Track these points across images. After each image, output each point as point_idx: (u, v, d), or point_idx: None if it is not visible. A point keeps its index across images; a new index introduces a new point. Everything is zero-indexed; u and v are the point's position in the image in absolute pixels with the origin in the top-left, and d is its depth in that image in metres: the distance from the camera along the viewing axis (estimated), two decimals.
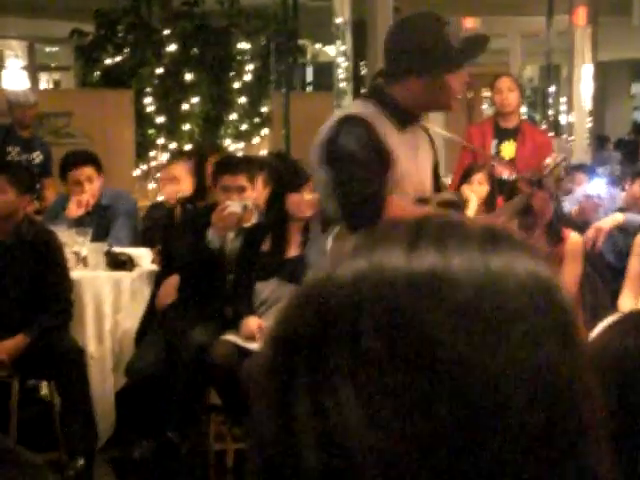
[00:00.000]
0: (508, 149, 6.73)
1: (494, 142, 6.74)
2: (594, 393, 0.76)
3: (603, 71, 14.84)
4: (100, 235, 5.85)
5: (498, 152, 6.71)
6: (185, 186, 6.24)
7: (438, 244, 0.74)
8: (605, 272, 5.68)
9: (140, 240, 6.13)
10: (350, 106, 3.46)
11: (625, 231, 5.67)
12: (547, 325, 0.73)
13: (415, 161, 3.41)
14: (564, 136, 12.66)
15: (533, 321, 0.73)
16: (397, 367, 0.71)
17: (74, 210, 6.03)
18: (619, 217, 5.75)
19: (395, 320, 0.72)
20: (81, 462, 5.01)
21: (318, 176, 3.36)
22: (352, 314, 0.73)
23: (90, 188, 6.05)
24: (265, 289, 5.01)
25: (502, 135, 6.76)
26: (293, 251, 5.03)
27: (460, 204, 3.49)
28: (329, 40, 11.44)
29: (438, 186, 3.66)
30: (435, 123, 15.55)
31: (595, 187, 5.90)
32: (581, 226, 5.88)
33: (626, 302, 5.36)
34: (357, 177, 3.25)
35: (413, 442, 0.71)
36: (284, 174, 5.40)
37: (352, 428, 0.71)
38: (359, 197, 3.24)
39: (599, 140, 14.43)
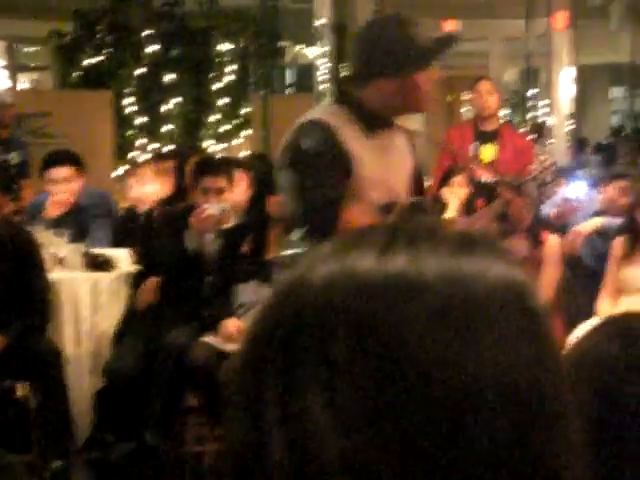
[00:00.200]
0: (488, 152, 6.75)
1: (474, 145, 6.76)
2: (567, 400, 0.75)
3: (582, 75, 14.90)
4: (79, 236, 5.82)
5: (478, 155, 6.73)
6: (154, 189, 6.20)
7: (411, 249, 0.74)
8: (584, 276, 5.70)
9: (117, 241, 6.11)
10: (315, 110, 3.43)
11: (604, 235, 5.69)
12: (519, 331, 0.73)
13: (385, 166, 3.37)
14: (546, 142, 12.70)
15: (505, 326, 0.72)
16: (367, 372, 0.71)
17: (52, 210, 6.00)
18: (598, 221, 5.77)
19: (365, 324, 0.71)
20: (58, 464, 4.98)
21: (280, 180, 3.36)
22: (323, 318, 0.73)
23: (68, 188, 6.02)
24: (244, 291, 5.00)
25: (482, 138, 6.77)
26: (273, 253, 5.02)
27: (429, 208, 3.47)
28: (310, 42, 11.45)
29: (420, 190, 3.65)
30: (415, 126, 15.57)
31: (574, 190, 5.91)
32: (560, 229, 5.89)
33: (604, 306, 5.38)
34: (314, 183, 3.23)
35: (383, 447, 0.70)
36: (265, 176, 5.40)
37: (322, 433, 0.71)
38: (315, 202, 3.23)
39: (578, 143, 14.49)
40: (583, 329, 5.11)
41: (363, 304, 0.72)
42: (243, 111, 11.36)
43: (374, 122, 3.37)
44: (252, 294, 4.98)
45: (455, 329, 0.71)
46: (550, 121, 13.26)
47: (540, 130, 13.42)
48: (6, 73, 13.46)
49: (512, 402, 0.71)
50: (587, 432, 1.31)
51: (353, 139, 3.30)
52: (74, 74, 10.37)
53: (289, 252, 3.34)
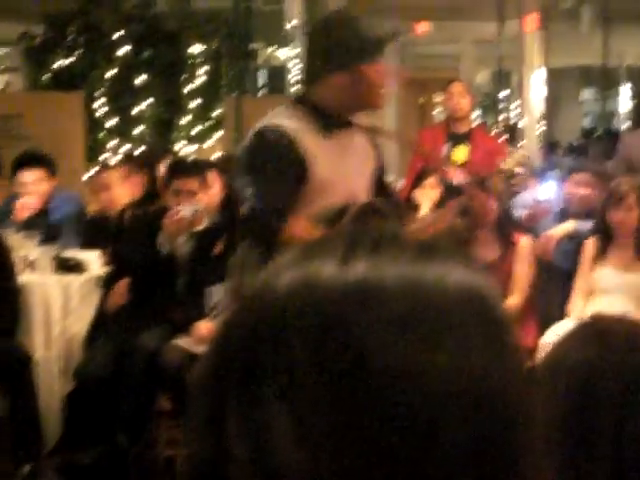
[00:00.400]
0: (460, 153, 6.77)
1: (446, 146, 6.77)
2: (531, 406, 0.75)
3: (553, 77, 14.97)
4: (49, 239, 5.79)
5: (450, 156, 6.74)
6: (118, 193, 6.16)
7: (372, 256, 0.73)
8: (556, 278, 5.72)
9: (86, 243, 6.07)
10: (273, 114, 3.41)
11: (576, 238, 5.71)
12: (481, 338, 0.72)
13: (343, 168, 3.36)
14: (518, 143, 12.76)
15: (466, 334, 0.72)
16: (327, 382, 0.70)
17: (22, 213, 5.97)
18: (569, 225, 5.79)
19: (325, 333, 0.71)
20: (27, 468, 4.95)
21: (237, 185, 3.37)
22: (283, 329, 0.72)
23: (39, 190, 5.99)
24: (217, 293, 4.99)
25: (454, 140, 6.79)
26: None
27: (387, 210, 3.47)
28: (282, 44, 11.45)
29: (383, 191, 3.63)
30: (387, 129, 15.60)
31: (545, 192, 5.92)
32: (531, 230, 5.91)
33: (576, 307, 5.40)
34: (263, 191, 3.24)
35: (343, 460, 0.70)
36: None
37: (282, 447, 0.70)
38: (260, 212, 3.26)
39: (549, 145, 14.56)
40: (556, 330, 5.13)
41: (323, 313, 0.71)
42: (215, 113, 11.34)
43: (331, 122, 3.36)
44: (224, 296, 4.96)
45: (416, 337, 0.71)
46: (521, 123, 13.32)
47: (512, 132, 13.48)
48: None
49: (475, 410, 0.71)
50: (563, 434, 1.32)
51: (311, 142, 3.30)
52: (45, 76, 10.33)
53: (237, 256, 3.37)
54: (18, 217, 5.94)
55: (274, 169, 3.24)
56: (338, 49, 3.34)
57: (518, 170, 3.74)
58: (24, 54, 11.27)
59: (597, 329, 1.43)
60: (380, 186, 3.58)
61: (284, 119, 3.32)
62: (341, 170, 3.35)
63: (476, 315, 0.73)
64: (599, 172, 6.07)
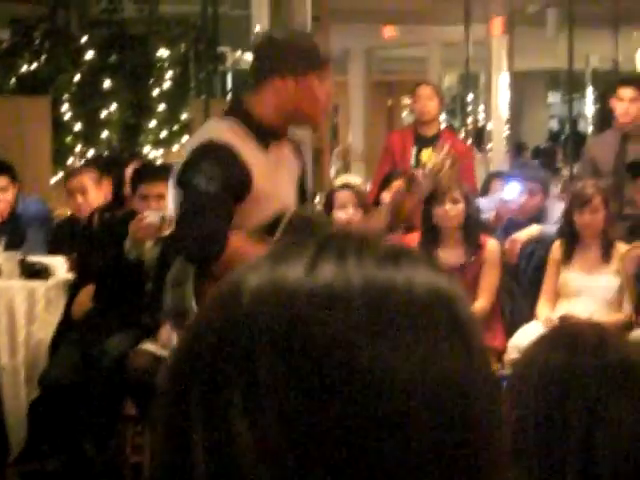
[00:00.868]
0: (427, 156, 6.78)
1: (414, 149, 6.79)
2: (497, 409, 0.74)
3: (520, 80, 15.04)
4: (15, 244, 5.75)
5: (418, 159, 6.76)
6: (93, 196, 6.13)
7: (338, 261, 0.73)
8: (522, 281, 5.74)
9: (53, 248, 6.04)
10: (212, 127, 3.39)
11: (542, 241, 5.74)
12: (447, 339, 0.72)
13: (277, 179, 3.39)
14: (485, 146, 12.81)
15: (432, 337, 0.71)
16: (292, 391, 0.69)
17: None
18: (535, 229, 5.82)
19: (292, 339, 0.70)
20: None
21: (172, 195, 3.31)
22: (246, 336, 0.71)
23: (3, 197, 5.96)
24: None
25: (422, 142, 6.81)
26: None
27: (312, 216, 3.50)
28: (249, 47, 11.43)
29: (303, 199, 3.64)
30: (355, 134, 15.64)
31: (510, 192, 5.95)
32: (496, 232, 5.94)
33: (543, 309, 5.42)
34: (201, 212, 3.22)
35: (309, 472, 0.69)
36: None
37: (244, 462, 0.69)
38: (197, 232, 3.21)
39: (516, 148, 14.62)
40: (524, 332, 5.15)
41: (289, 318, 0.70)
42: (183, 117, 11.32)
43: (266, 135, 3.38)
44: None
45: (384, 340, 0.70)
46: (488, 126, 13.37)
47: (479, 135, 13.52)
48: None
49: (440, 412, 0.70)
50: (533, 438, 1.32)
51: (250, 155, 3.31)
52: (11, 81, 10.27)
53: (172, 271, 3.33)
54: None
55: (218, 188, 3.21)
56: (285, 54, 3.37)
57: (448, 164, 3.73)
58: None
59: (567, 333, 1.44)
60: (302, 194, 3.60)
61: (227, 133, 3.31)
62: (276, 181, 3.38)
63: (443, 317, 0.72)
64: (539, 179, 6.11)
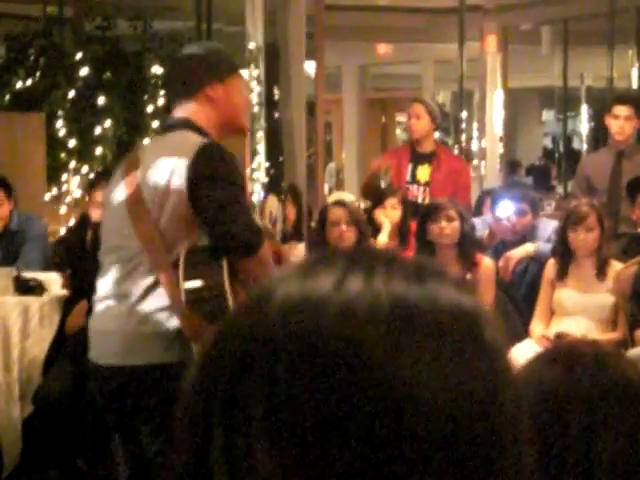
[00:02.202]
0: (424, 173, 6.79)
1: (410, 166, 6.80)
2: (521, 430, 0.74)
3: (514, 98, 15.07)
4: (9, 260, 5.75)
5: (414, 176, 6.77)
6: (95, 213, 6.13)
7: (367, 276, 0.73)
8: (516, 298, 5.74)
9: (49, 265, 6.03)
10: (188, 137, 3.41)
11: (536, 259, 5.74)
12: (472, 359, 0.72)
13: None
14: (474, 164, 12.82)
15: (457, 354, 0.72)
16: (313, 407, 0.69)
17: None
18: (530, 247, 5.81)
19: (315, 354, 0.70)
20: None
21: (174, 198, 3.27)
22: (270, 348, 0.70)
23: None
24: None
25: (418, 159, 6.82)
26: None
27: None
28: (243, 65, 11.44)
29: None
30: (349, 149, 15.66)
31: (504, 210, 5.95)
32: (491, 250, 5.94)
33: (537, 327, 5.42)
34: (244, 203, 3.29)
35: None
36: None
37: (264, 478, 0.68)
38: (249, 223, 3.26)
39: (510, 165, 14.63)
40: (518, 351, 5.15)
41: (314, 332, 0.70)
42: None
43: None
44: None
45: (406, 358, 0.70)
46: (482, 144, 13.38)
47: (468, 152, 13.52)
48: None
49: (464, 433, 0.70)
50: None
51: None
52: (6, 97, 10.27)
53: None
54: None
55: (242, 181, 3.32)
56: (209, 62, 3.48)
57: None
58: None
59: (564, 351, 1.44)
60: None
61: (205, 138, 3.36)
62: None
63: (468, 337, 0.73)
64: (528, 199, 6.11)
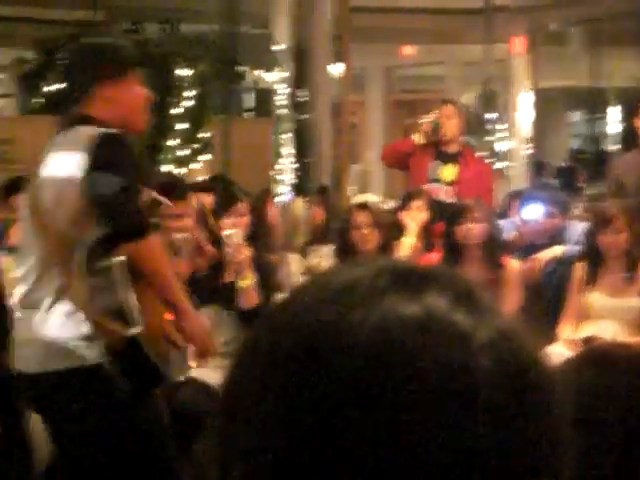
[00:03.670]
0: (449, 172, 6.77)
1: (432, 165, 6.78)
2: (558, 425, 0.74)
3: (541, 99, 15.01)
4: None
5: (437, 175, 6.75)
6: None
7: (442, 293, 0.70)
8: (544, 301, 5.71)
9: None
10: (85, 130, 3.40)
11: (565, 262, 5.69)
12: (515, 402, 0.69)
13: None
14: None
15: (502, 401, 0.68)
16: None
17: (16, 236, 5.96)
18: (558, 250, 5.77)
19: (424, 374, 0.66)
20: None
21: (71, 191, 3.28)
22: (368, 379, 0.66)
23: None
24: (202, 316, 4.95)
25: (443, 158, 6.80)
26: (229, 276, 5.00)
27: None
28: (269, 67, 11.48)
29: None
30: (373, 153, 15.67)
31: (531, 212, 5.93)
32: (518, 252, 5.91)
33: (566, 331, 5.36)
34: (136, 190, 3.31)
35: None
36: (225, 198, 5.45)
37: None
38: (138, 209, 3.30)
39: (536, 167, 14.57)
40: (558, 360, 5.10)
41: (414, 354, 0.66)
42: (202, 135, 11.36)
43: None
44: (209, 318, 4.86)
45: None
46: (508, 145, 13.33)
47: (494, 154, 13.49)
48: None
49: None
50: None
51: None
52: (37, 101, 10.33)
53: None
54: (11, 241, 5.94)
55: (134, 168, 3.35)
56: (108, 56, 3.53)
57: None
58: (17, 80, 11.28)
59: (596, 354, 1.43)
60: None
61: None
62: None
63: (510, 363, 0.71)
64: (557, 201, 6.08)
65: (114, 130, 3.35)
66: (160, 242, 3.35)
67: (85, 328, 3.26)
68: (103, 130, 3.33)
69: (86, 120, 3.43)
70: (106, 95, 3.47)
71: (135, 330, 3.23)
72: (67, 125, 3.48)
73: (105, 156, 3.25)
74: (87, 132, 3.34)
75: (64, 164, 3.31)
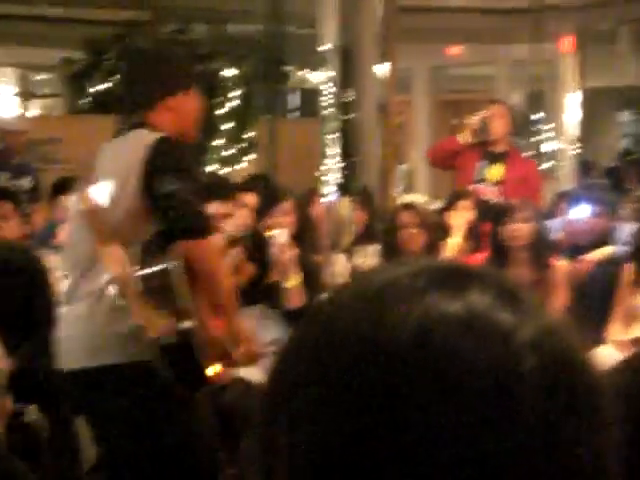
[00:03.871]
0: (495, 172, 6.75)
1: (479, 165, 6.76)
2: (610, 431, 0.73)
3: (590, 99, 14.91)
4: None
5: (484, 175, 6.73)
6: None
7: (485, 291, 0.70)
8: (592, 302, 5.66)
9: None
10: (143, 134, 3.45)
11: (614, 263, 5.64)
12: (558, 403, 0.69)
13: None
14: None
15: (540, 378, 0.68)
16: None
17: (63, 236, 6.02)
18: (606, 250, 5.73)
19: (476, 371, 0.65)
20: None
21: (129, 193, 3.33)
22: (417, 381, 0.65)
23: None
24: (247, 316, 4.97)
25: (490, 158, 6.78)
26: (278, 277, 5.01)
27: None
28: (314, 67, 11.49)
29: None
30: (419, 153, 15.66)
31: (579, 212, 5.88)
32: (566, 253, 5.87)
33: (615, 333, 5.32)
34: (195, 192, 3.34)
35: None
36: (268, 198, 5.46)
37: None
38: (199, 209, 3.35)
39: (583, 167, 14.46)
40: (594, 356, 5.07)
41: (463, 353, 0.66)
42: (247, 135, 11.40)
43: None
44: (256, 319, 4.88)
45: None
46: (555, 145, 13.25)
47: (540, 154, 13.41)
48: (18, 100, 13.50)
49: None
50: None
51: None
52: (84, 100, 10.43)
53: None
54: (59, 240, 6.00)
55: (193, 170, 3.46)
56: (173, 71, 3.55)
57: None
58: (64, 79, 11.39)
59: None
60: None
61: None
62: None
63: (555, 363, 0.71)
64: (605, 201, 6.02)
65: (166, 135, 3.40)
66: (218, 245, 3.40)
67: (133, 323, 3.27)
68: (163, 134, 3.38)
69: (146, 126, 3.47)
70: (169, 105, 3.51)
71: (187, 325, 3.25)
72: (127, 129, 3.53)
73: (167, 158, 3.31)
74: (147, 135, 3.39)
75: (123, 164, 3.35)
